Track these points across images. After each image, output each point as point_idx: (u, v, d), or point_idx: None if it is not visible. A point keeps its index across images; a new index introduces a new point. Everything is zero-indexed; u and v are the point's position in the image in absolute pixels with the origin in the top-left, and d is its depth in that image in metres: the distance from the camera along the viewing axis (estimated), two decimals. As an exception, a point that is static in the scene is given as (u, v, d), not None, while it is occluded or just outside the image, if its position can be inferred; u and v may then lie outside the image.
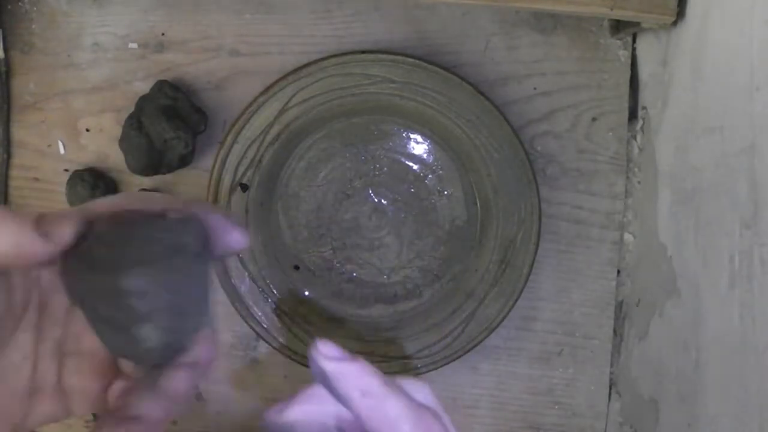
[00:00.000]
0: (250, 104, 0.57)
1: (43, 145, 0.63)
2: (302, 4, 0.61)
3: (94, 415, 0.66)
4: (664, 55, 0.55)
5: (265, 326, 0.60)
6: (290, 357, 0.60)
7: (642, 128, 0.60)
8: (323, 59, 0.56)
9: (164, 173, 0.59)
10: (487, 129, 0.57)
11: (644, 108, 0.60)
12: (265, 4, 0.61)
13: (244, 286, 0.60)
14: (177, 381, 0.30)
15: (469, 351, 0.59)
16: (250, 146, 0.58)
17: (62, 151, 0.63)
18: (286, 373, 0.64)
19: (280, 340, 0.60)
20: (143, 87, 0.61)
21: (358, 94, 0.57)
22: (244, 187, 0.59)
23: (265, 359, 0.65)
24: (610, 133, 0.61)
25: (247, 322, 0.60)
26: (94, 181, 0.60)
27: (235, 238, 0.32)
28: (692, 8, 0.51)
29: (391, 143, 0.60)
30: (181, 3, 0.61)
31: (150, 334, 0.28)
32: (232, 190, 0.58)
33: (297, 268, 0.61)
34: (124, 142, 0.58)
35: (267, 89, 0.57)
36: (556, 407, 0.64)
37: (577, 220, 0.62)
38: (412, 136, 0.60)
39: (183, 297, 0.29)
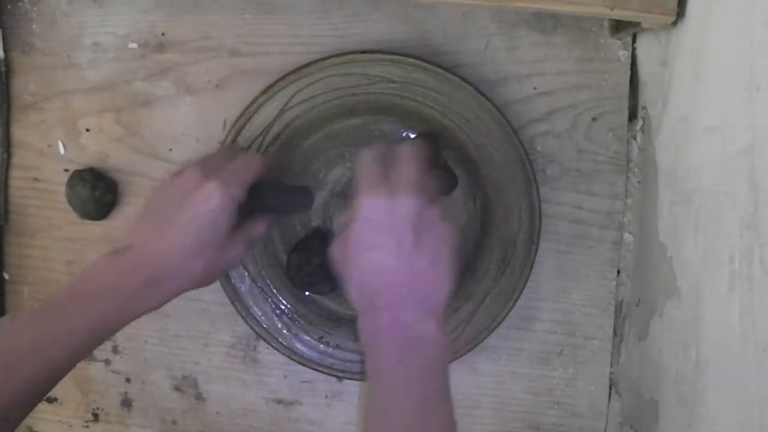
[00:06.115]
0: (250, 104, 0.57)
1: (43, 145, 0.63)
2: (302, 4, 0.61)
3: (95, 415, 0.66)
4: (664, 55, 0.55)
5: (265, 326, 0.60)
6: (290, 357, 0.60)
7: (642, 128, 0.60)
8: (323, 59, 0.56)
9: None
10: (487, 129, 0.57)
11: (644, 108, 0.60)
12: (265, 4, 0.61)
13: (244, 286, 0.60)
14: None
15: (469, 351, 0.59)
16: (250, 146, 0.58)
17: (62, 151, 0.63)
18: (286, 373, 0.64)
19: (280, 340, 0.60)
20: (143, 87, 0.61)
21: (358, 94, 0.57)
22: (244, 187, 0.59)
23: (265, 359, 0.65)
24: (610, 133, 0.61)
25: (247, 322, 0.60)
26: (94, 181, 0.60)
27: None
28: (692, 8, 0.51)
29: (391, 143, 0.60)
30: (181, 3, 0.61)
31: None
32: (232, 190, 0.58)
33: (297, 268, 0.61)
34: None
35: (267, 89, 0.57)
36: (556, 407, 0.64)
37: (577, 220, 0.62)
38: (412, 136, 0.60)
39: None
